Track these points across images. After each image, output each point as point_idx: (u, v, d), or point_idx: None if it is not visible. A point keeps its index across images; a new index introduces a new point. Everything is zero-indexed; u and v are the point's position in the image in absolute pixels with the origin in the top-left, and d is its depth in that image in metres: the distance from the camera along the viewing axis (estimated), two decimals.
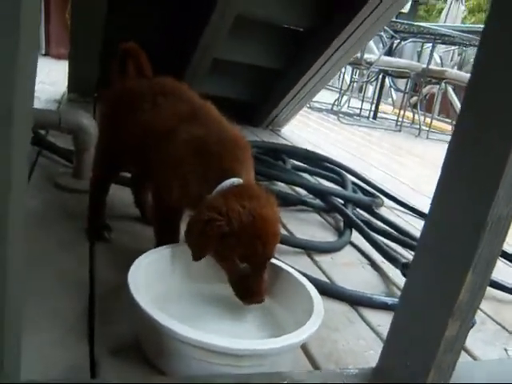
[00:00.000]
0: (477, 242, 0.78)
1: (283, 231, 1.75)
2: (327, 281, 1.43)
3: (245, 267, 0.99)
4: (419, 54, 6.97)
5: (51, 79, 3.99)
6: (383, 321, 1.27)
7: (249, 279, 1.00)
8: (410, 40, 6.33)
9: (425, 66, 5.59)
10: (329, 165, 2.50)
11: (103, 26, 2.68)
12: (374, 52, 6.19)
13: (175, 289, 1.10)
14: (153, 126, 1.17)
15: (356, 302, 1.34)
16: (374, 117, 6.34)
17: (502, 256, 1.90)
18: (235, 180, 1.05)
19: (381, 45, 6.31)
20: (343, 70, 6.89)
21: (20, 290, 0.67)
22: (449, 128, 6.30)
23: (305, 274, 1.15)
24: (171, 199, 1.11)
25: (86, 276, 1.20)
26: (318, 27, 2.97)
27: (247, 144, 1.16)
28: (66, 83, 3.27)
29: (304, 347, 1.09)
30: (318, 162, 2.53)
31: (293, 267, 1.16)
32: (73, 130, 1.67)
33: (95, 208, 1.42)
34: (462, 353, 1.21)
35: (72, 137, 1.70)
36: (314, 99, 5.93)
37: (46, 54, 5.94)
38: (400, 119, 5.82)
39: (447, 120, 6.80)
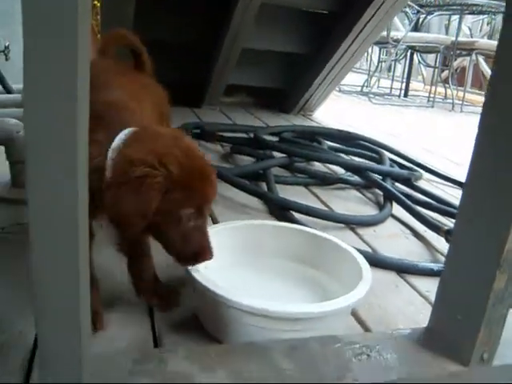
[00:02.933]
0: None
1: (324, 207, 1.78)
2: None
3: (190, 225, 0.85)
4: (447, 27, 6.83)
5: None
6: (431, 287, 1.28)
7: (196, 237, 0.87)
8: (437, 13, 6.22)
9: (453, 38, 5.50)
10: (364, 143, 2.51)
11: (132, 27, 2.74)
12: (399, 29, 6.12)
13: (226, 261, 1.13)
14: None
15: (402, 269, 1.36)
16: (405, 95, 6.28)
17: None
18: (129, 129, 0.86)
19: (406, 21, 6.22)
20: (370, 50, 6.83)
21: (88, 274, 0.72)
22: (482, 100, 6.17)
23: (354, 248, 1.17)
24: None
25: None
26: (342, 9, 2.97)
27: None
28: None
29: (354, 314, 1.12)
30: (352, 142, 2.54)
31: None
32: None
33: None
34: None
35: None
36: (344, 82, 5.92)
37: None
38: (432, 95, 5.75)
39: (480, 92, 6.67)
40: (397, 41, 5.28)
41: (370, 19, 2.82)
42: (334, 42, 3.04)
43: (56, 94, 0.58)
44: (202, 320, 0.99)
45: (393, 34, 5.34)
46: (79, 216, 0.63)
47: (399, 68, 7.65)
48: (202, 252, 0.88)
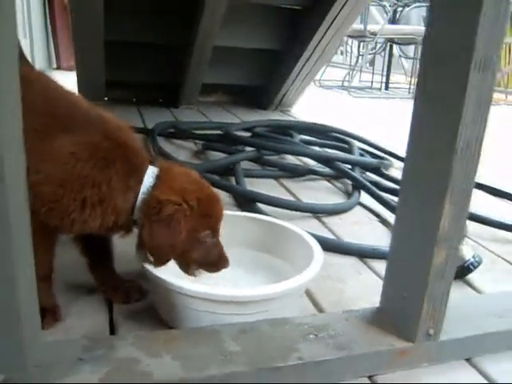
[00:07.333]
0: (450, 170, 0.82)
1: (292, 198, 1.81)
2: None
3: (206, 242, 0.98)
4: (425, 19, 6.87)
5: None
6: None
7: (214, 251, 0.99)
8: (413, 6, 6.26)
9: None
10: (335, 134, 2.53)
11: (103, 28, 2.74)
12: (378, 22, 6.15)
13: None
14: None
15: (362, 254, 1.38)
16: (386, 87, 6.32)
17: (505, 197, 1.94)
18: (152, 171, 0.99)
19: (385, 15, 6.26)
20: (350, 44, 6.87)
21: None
22: None
23: (311, 234, 1.18)
24: None
25: None
26: (311, 3, 3.00)
27: None
28: (77, 90, 3.37)
29: (311, 297, 1.15)
30: (324, 133, 2.56)
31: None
32: None
33: None
34: (471, 290, 1.26)
35: None
36: (325, 78, 5.95)
37: (58, 68, 6.07)
38: (412, 86, 5.79)
39: None
40: (374, 34, 5.31)
41: (338, 12, 2.84)
42: (305, 36, 3.06)
43: None
44: (157, 308, 1.02)
45: (370, 27, 5.37)
46: (10, 214, 0.66)
47: (381, 61, 7.70)
48: (221, 261, 1.00)
